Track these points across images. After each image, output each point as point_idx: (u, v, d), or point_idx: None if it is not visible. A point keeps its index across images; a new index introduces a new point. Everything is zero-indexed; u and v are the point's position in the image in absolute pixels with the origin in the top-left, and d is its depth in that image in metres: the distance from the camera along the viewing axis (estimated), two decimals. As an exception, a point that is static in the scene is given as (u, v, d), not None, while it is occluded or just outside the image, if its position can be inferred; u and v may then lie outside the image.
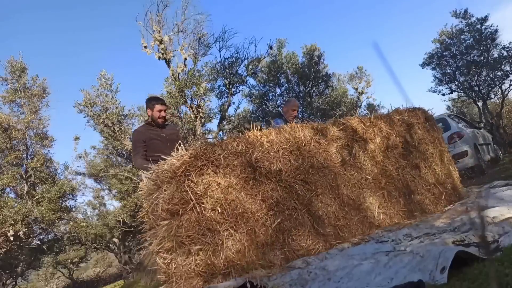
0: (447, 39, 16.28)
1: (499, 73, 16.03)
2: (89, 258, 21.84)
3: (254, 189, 2.37)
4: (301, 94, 14.67)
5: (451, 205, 3.21)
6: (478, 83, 16.67)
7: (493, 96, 18.44)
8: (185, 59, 9.94)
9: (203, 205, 2.20)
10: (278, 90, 15.09)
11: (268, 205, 2.38)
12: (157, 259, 2.32)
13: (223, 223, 2.21)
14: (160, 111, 3.33)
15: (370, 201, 2.85)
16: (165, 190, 2.28)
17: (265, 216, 2.34)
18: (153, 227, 2.38)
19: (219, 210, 2.22)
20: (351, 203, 2.74)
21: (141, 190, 2.70)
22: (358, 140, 2.99)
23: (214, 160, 2.32)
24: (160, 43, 9.62)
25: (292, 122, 4.28)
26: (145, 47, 9.62)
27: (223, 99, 12.08)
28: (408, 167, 3.20)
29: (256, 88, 15.00)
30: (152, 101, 3.40)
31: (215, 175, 2.29)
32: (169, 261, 2.26)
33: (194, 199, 2.19)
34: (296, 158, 2.62)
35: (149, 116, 3.39)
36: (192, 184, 2.21)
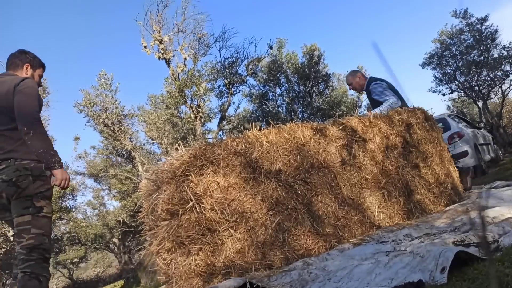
0: (447, 39, 16.28)
1: (499, 73, 16.04)
2: (89, 258, 21.85)
3: (253, 189, 2.37)
4: (301, 94, 14.67)
5: (451, 205, 3.21)
6: (478, 83, 16.68)
7: (493, 96, 18.47)
8: (185, 59, 9.94)
9: (203, 205, 2.19)
10: (278, 90, 15.09)
11: (268, 205, 2.38)
12: (157, 259, 2.32)
13: (223, 223, 2.21)
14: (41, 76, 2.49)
15: (370, 200, 2.85)
16: (164, 191, 2.28)
17: (264, 216, 2.34)
18: (153, 228, 2.38)
19: (219, 210, 2.22)
20: (351, 203, 2.74)
21: (141, 191, 2.70)
22: (357, 140, 2.99)
23: (214, 160, 2.32)
24: (160, 43, 9.63)
25: None
26: (145, 47, 9.63)
27: (223, 99, 12.08)
28: (408, 167, 3.20)
29: (256, 88, 15.01)
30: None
31: (215, 175, 2.29)
32: (169, 261, 2.26)
33: (193, 199, 2.19)
34: (296, 158, 2.62)
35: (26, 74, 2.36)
36: (191, 184, 2.21)
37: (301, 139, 2.71)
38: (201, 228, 2.19)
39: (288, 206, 2.45)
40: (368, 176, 2.90)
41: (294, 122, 2.80)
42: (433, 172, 3.36)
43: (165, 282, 2.39)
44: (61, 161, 2.16)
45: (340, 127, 2.95)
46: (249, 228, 2.27)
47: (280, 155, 2.57)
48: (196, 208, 2.19)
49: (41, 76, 2.50)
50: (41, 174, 2.10)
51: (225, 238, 2.21)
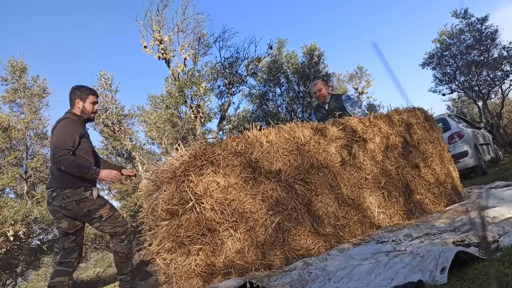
0: (447, 39, 16.29)
1: (499, 73, 16.06)
2: (89, 258, 21.83)
3: (253, 189, 2.37)
4: (301, 94, 14.67)
5: (451, 205, 3.20)
6: (478, 83, 16.68)
7: (493, 96, 18.47)
8: (185, 59, 9.94)
9: (203, 205, 2.19)
10: (278, 90, 15.10)
11: (268, 205, 2.38)
12: (157, 259, 2.32)
13: (223, 223, 2.21)
14: (94, 103, 2.88)
15: (370, 200, 2.85)
16: (164, 191, 2.28)
17: (264, 216, 2.34)
18: (153, 228, 2.38)
19: (219, 210, 2.22)
20: (351, 203, 2.74)
21: (141, 191, 2.70)
22: (357, 140, 2.99)
23: (214, 160, 2.32)
24: (160, 43, 9.63)
25: None
26: (145, 47, 9.63)
27: (223, 99, 12.08)
28: (408, 167, 3.20)
29: (256, 88, 15.01)
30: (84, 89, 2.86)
31: (215, 175, 2.29)
32: (169, 261, 2.26)
33: (193, 199, 2.18)
34: (296, 158, 2.62)
35: (78, 108, 2.81)
36: (191, 184, 2.21)
37: (301, 139, 2.71)
38: (201, 228, 2.19)
39: (288, 206, 2.45)
40: (368, 176, 2.90)
41: (294, 122, 2.80)
42: (433, 172, 3.36)
43: (165, 282, 2.39)
44: (95, 168, 2.65)
45: (340, 127, 2.95)
46: (249, 228, 2.27)
47: (280, 155, 2.57)
48: (196, 208, 2.19)
49: (94, 103, 2.88)
50: (81, 198, 2.62)
51: (225, 238, 2.20)
